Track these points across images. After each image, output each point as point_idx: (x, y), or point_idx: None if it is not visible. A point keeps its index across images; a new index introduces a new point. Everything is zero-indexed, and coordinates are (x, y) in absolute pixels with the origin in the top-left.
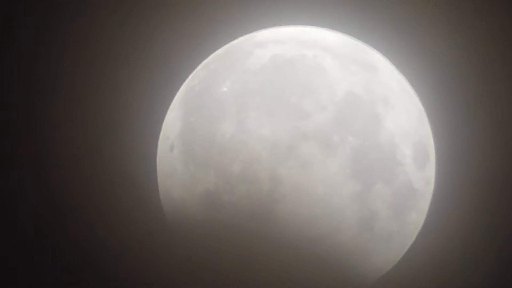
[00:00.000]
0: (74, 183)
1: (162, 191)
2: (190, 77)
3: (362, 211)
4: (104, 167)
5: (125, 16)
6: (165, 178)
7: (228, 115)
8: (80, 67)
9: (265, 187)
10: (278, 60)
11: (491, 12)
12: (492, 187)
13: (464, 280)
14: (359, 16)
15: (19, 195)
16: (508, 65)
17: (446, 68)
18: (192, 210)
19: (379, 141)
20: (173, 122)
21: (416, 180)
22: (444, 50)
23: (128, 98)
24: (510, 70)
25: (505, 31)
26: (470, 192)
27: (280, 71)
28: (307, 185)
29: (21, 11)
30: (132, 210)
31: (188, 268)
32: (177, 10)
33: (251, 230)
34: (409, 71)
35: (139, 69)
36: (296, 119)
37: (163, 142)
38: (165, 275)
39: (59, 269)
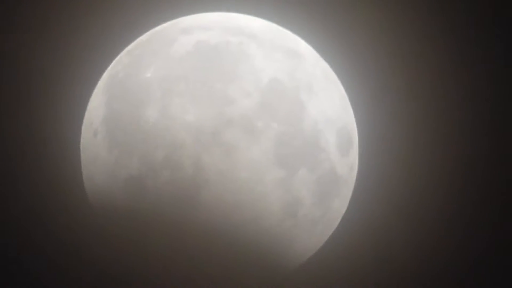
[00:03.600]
0: None
1: (86, 176)
2: (113, 63)
3: (286, 197)
4: (27, 154)
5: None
6: (89, 163)
7: (152, 101)
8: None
9: (189, 173)
10: (203, 47)
11: None
12: (414, 173)
13: (386, 266)
14: (283, 3)
15: None
16: (431, 50)
17: (370, 55)
18: (116, 196)
19: (303, 127)
20: (96, 108)
21: (340, 166)
22: (369, 37)
23: (50, 84)
24: (433, 55)
25: (426, 15)
26: (392, 178)
27: (205, 58)
28: (231, 171)
29: None
30: (56, 196)
31: (113, 254)
32: None
33: (175, 215)
34: (333, 58)
35: (61, 55)
36: (220, 105)
37: (86, 128)
38: (89, 260)
39: None
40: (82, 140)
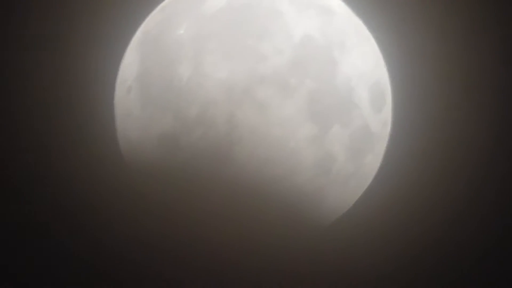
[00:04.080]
0: (32, 127)
1: (120, 133)
2: (146, 20)
3: (319, 154)
4: (63, 111)
5: None
6: (123, 120)
7: (185, 59)
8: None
9: (222, 129)
10: (235, 4)
11: None
12: (447, 130)
13: (420, 222)
14: None
15: None
16: (466, 5)
17: (403, 10)
18: (150, 152)
19: (336, 84)
20: (130, 66)
21: (373, 122)
22: None
23: (85, 41)
24: (469, 10)
25: None
26: (426, 135)
27: (237, 15)
28: (264, 128)
29: None
30: (90, 152)
31: (146, 209)
32: None
33: (208, 171)
34: (366, 14)
35: (95, 12)
36: (253, 62)
37: (120, 85)
38: (122, 216)
39: (21, 215)
40: (116, 97)
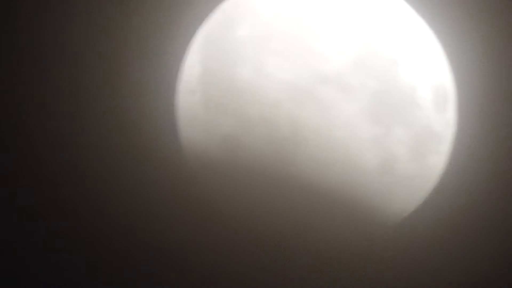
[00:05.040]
0: (95, 127)
1: (182, 135)
2: (206, 22)
3: (382, 154)
4: (125, 114)
5: None
6: (185, 122)
7: (247, 59)
8: (98, 12)
9: (285, 130)
10: (297, 4)
11: None
12: None
13: (486, 225)
14: None
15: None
16: None
17: (466, 10)
18: (213, 153)
19: (399, 84)
20: (191, 68)
21: (437, 123)
22: None
23: (146, 42)
24: None
25: None
26: (492, 134)
27: (299, 15)
28: (326, 129)
29: None
30: (153, 155)
31: (208, 211)
32: None
33: (271, 173)
34: (429, 14)
35: (156, 13)
36: (315, 63)
37: (182, 86)
38: (185, 218)
39: (81, 213)
40: (178, 99)
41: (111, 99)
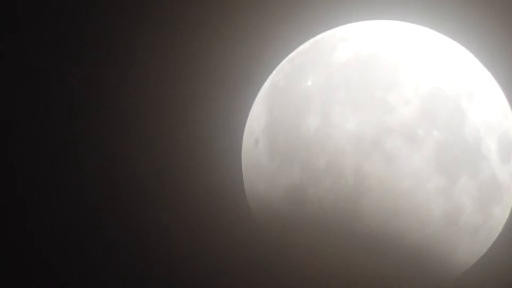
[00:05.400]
0: (159, 177)
1: (247, 185)
2: (274, 71)
3: (447, 205)
4: (190, 162)
5: (211, 9)
6: (250, 172)
7: (313, 109)
8: (161, 62)
9: (350, 181)
10: (362, 55)
11: None
12: None
13: None
14: (441, 10)
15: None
16: None
17: None
18: (277, 204)
19: (464, 134)
20: (257, 117)
21: (501, 173)
22: None
23: (213, 93)
24: None
25: None
26: None
27: (365, 65)
28: (392, 179)
29: None
30: (218, 204)
31: (273, 262)
32: (263, 4)
33: (336, 224)
34: (492, 64)
35: (224, 65)
36: (381, 113)
37: (248, 136)
38: (249, 269)
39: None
40: (243, 149)
41: (179, 148)
